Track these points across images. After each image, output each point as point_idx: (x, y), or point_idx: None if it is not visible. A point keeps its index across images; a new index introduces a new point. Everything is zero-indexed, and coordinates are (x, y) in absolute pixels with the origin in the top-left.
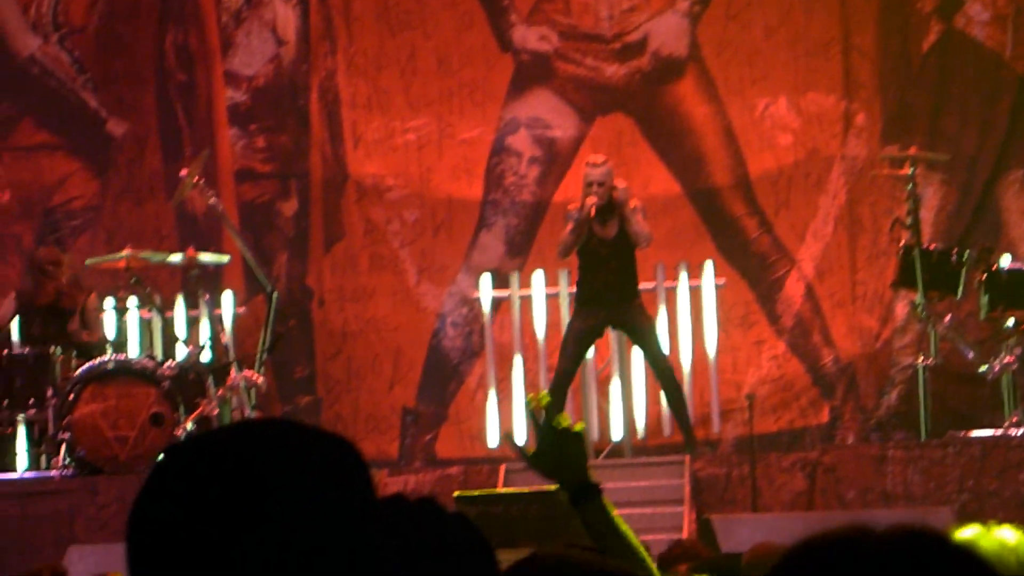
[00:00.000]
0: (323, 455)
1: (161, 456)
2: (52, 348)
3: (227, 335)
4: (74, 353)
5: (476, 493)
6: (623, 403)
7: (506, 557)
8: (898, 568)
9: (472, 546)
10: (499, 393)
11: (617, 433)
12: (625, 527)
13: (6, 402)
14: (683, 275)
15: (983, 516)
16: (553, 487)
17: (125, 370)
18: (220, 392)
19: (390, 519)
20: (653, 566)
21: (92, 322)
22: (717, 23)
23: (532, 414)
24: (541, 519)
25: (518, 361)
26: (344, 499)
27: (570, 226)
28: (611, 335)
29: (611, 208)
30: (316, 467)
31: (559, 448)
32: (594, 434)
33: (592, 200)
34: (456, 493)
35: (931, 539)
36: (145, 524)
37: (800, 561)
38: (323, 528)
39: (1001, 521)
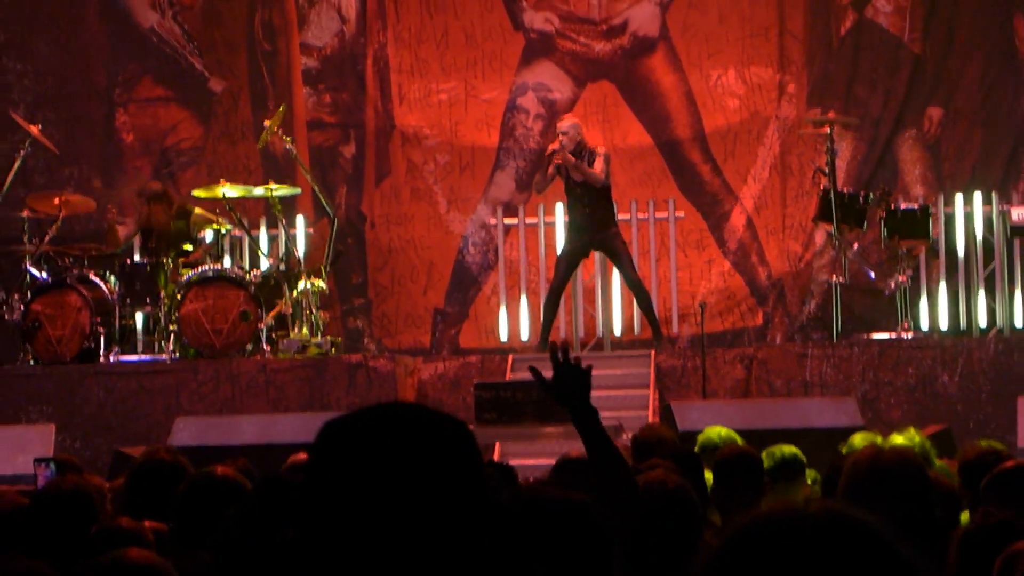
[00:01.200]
0: (446, 433)
1: (325, 429)
2: (164, 259)
3: (299, 250)
4: (181, 263)
5: (491, 382)
6: (603, 308)
7: (514, 432)
8: (826, 548)
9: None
10: (508, 298)
11: (599, 331)
12: (608, 436)
13: (128, 300)
14: (651, 208)
15: (879, 402)
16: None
17: (220, 277)
18: (293, 295)
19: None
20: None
21: (195, 239)
22: (681, 11)
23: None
24: (540, 403)
25: (523, 273)
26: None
27: (547, 171)
28: (595, 255)
29: (579, 157)
30: (441, 442)
31: (568, 381)
32: (581, 331)
33: (553, 145)
34: (476, 382)
35: (856, 523)
36: (315, 480)
37: (742, 543)
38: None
39: (892, 405)
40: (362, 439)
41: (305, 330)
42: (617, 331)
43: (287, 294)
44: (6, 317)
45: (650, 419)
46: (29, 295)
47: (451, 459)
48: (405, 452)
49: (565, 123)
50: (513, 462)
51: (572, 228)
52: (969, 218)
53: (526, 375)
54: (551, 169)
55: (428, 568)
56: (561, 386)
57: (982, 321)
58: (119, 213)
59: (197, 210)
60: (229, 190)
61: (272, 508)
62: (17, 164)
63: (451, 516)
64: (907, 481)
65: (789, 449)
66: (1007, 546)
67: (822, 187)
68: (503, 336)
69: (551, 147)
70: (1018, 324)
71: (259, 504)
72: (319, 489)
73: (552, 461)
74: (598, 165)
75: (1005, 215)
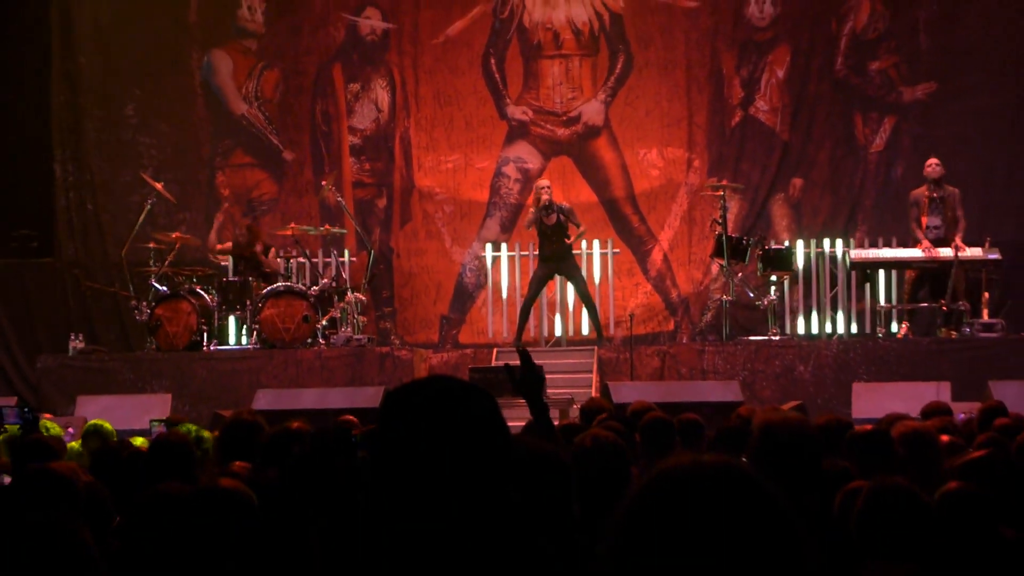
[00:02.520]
0: (482, 397)
1: (390, 394)
2: (249, 278)
3: (345, 273)
4: (261, 281)
5: (481, 367)
6: (562, 315)
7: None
8: (718, 489)
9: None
10: (494, 308)
11: (558, 332)
12: (550, 420)
13: (224, 307)
14: (596, 247)
15: (754, 384)
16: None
17: (289, 291)
18: (341, 304)
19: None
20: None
21: (272, 263)
22: (619, 107)
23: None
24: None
25: (504, 290)
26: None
27: (529, 215)
28: (557, 278)
29: (551, 208)
30: (478, 403)
31: (530, 381)
32: (546, 332)
33: (545, 198)
34: (470, 367)
35: (737, 470)
36: (385, 427)
37: (657, 484)
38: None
39: (763, 387)
40: (422, 400)
41: (349, 329)
42: (571, 332)
43: (337, 304)
44: (137, 318)
45: (593, 394)
46: (153, 303)
47: (486, 415)
48: (455, 409)
49: (543, 182)
50: None
51: (541, 258)
52: (820, 256)
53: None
54: (539, 214)
55: (475, 497)
56: (526, 382)
57: (828, 329)
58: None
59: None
60: (296, 230)
61: (326, 447)
62: (146, 210)
63: (495, 459)
64: (802, 444)
65: (691, 416)
66: (852, 490)
67: (717, 233)
68: (490, 334)
69: (544, 199)
70: (854, 331)
71: (317, 443)
72: (387, 435)
73: (522, 424)
74: (575, 218)
75: (846, 254)
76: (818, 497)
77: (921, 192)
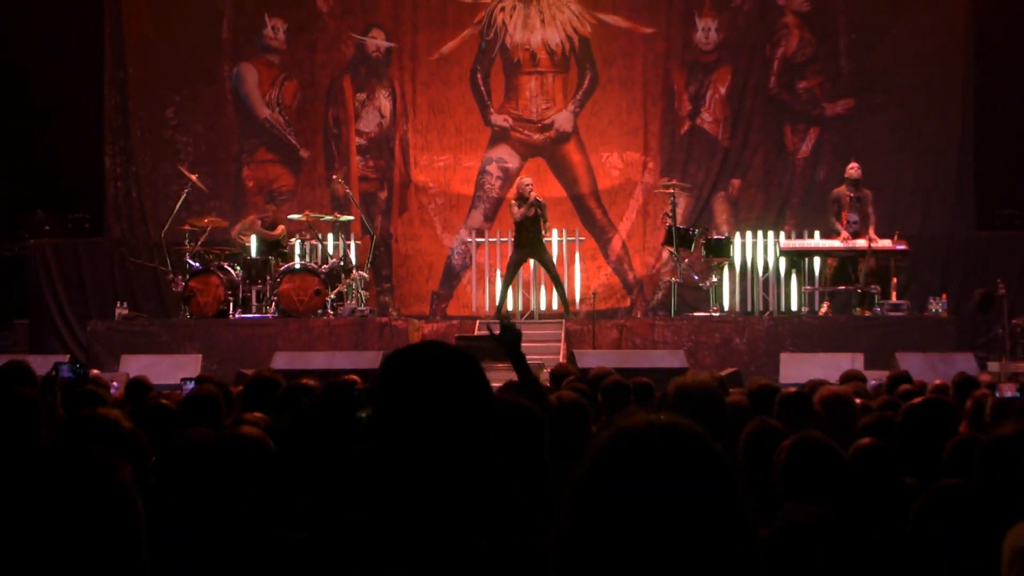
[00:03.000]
0: (468, 358)
1: (389, 356)
2: (270, 256)
3: (352, 254)
4: (280, 259)
5: (466, 335)
6: (535, 293)
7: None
8: (668, 444)
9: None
10: (477, 286)
11: (532, 306)
12: (531, 370)
13: (247, 281)
14: (564, 235)
15: (698, 353)
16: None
17: (304, 269)
18: (347, 280)
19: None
20: (544, 389)
21: (288, 245)
22: (586, 117)
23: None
24: (494, 349)
25: (486, 271)
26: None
27: (520, 210)
28: (531, 261)
29: (528, 202)
30: (465, 362)
31: (509, 335)
32: (521, 307)
33: (534, 194)
34: (456, 335)
35: (687, 428)
36: (385, 382)
37: (614, 440)
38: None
39: (705, 356)
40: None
41: (354, 302)
42: (543, 307)
43: (344, 280)
44: (173, 289)
45: (561, 360)
46: (188, 276)
47: (472, 372)
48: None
49: (527, 180)
50: None
51: (518, 244)
52: (755, 246)
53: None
54: (528, 210)
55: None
56: (504, 338)
57: (760, 306)
58: (245, 226)
59: (289, 226)
60: (309, 217)
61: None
62: (182, 198)
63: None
64: (709, 402)
65: (644, 380)
66: (778, 443)
67: (667, 225)
68: (474, 308)
69: (532, 195)
70: (782, 309)
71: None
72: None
73: (500, 384)
74: (545, 214)
75: (776, 244)
76: (726, 442)
77: (842, 191)
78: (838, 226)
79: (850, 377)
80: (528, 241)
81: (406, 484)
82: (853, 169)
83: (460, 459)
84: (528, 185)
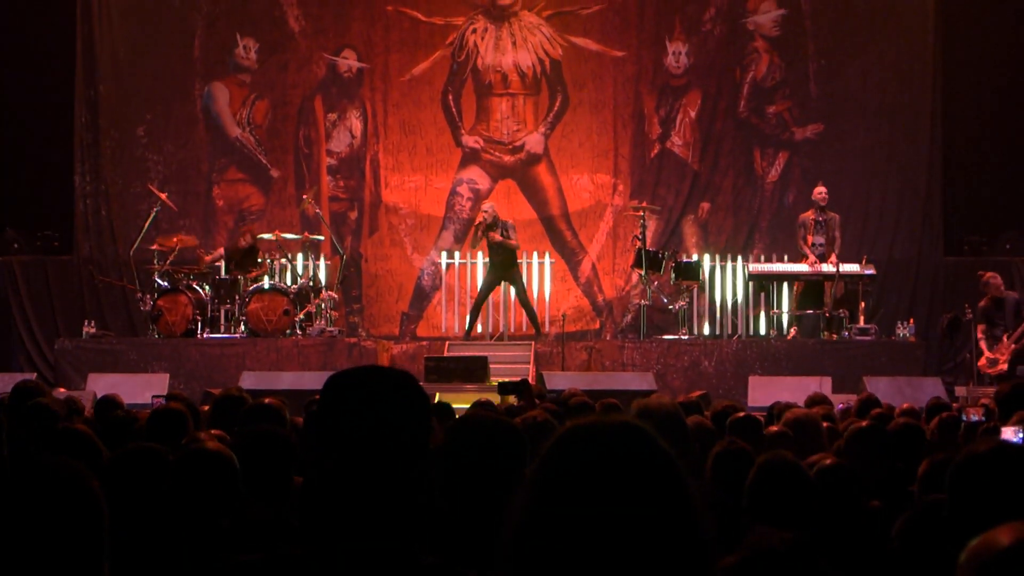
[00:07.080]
0: (406, 378)
1: (329, 379)
2: (239, 276)
3: (321, 274)
4: (249, 278)
5: (435, 356)
6: (505, 315)
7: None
8: (620, 440)
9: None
10: (447, 308)
11: (502, 328)
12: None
13: (216, 300)
14: (535, 257)
15: (666, 376)
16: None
17: (272, 288)
18: (316, 300)
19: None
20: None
21: (257, 264)
22: (557, 139)
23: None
24: (465, 370)
25: (456, 293)
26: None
27: (495, 233)
28: (502, 284)
29: (496, 226)
30: (404, 382)
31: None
32: (491, 328)
33: (479, 219)
34: (425, 356)
35: (636, 427)
36: (324, 406)
37: (569, 436)
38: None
39: (674, 378)
40: (357, 382)
41: (323, 322)
42: (512, 329)
43: (313, 300)
44: (142, 308)
45: (531, 382)
46: (156, 295)
47: (411, 391)
48: (384, 388)
49: (487, 204)
50: None
51: (490, 267)
52: (724, 269)
53: (456, 353)
54: (479, 233)
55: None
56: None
57: (729, 330)
58: (205, 249)
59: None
60: (279, 236)
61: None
62: (152, 217)
63: (415, 425)
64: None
65: (612, 401)
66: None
67: (637, 247)
68: (443, 329)
69: (478, 220)
70: (751, 333)
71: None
72: (327, 412)
73: (468, 404)
74: (514, 235)
75: (745, 267)
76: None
77: (808, 215)
78: (805, 249)
79: (817, 400)
80: (502, 263)
81: (346, 502)
82: (822, 194)
83: (398, 476)
84: (486, 211)
